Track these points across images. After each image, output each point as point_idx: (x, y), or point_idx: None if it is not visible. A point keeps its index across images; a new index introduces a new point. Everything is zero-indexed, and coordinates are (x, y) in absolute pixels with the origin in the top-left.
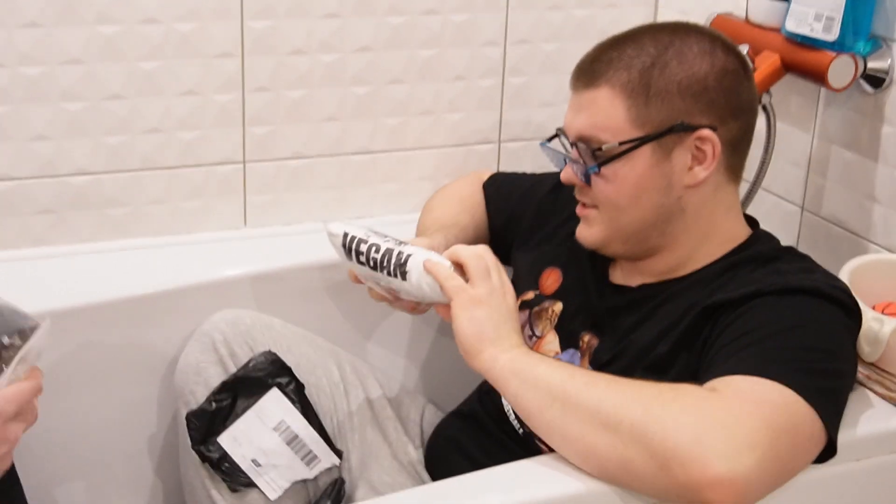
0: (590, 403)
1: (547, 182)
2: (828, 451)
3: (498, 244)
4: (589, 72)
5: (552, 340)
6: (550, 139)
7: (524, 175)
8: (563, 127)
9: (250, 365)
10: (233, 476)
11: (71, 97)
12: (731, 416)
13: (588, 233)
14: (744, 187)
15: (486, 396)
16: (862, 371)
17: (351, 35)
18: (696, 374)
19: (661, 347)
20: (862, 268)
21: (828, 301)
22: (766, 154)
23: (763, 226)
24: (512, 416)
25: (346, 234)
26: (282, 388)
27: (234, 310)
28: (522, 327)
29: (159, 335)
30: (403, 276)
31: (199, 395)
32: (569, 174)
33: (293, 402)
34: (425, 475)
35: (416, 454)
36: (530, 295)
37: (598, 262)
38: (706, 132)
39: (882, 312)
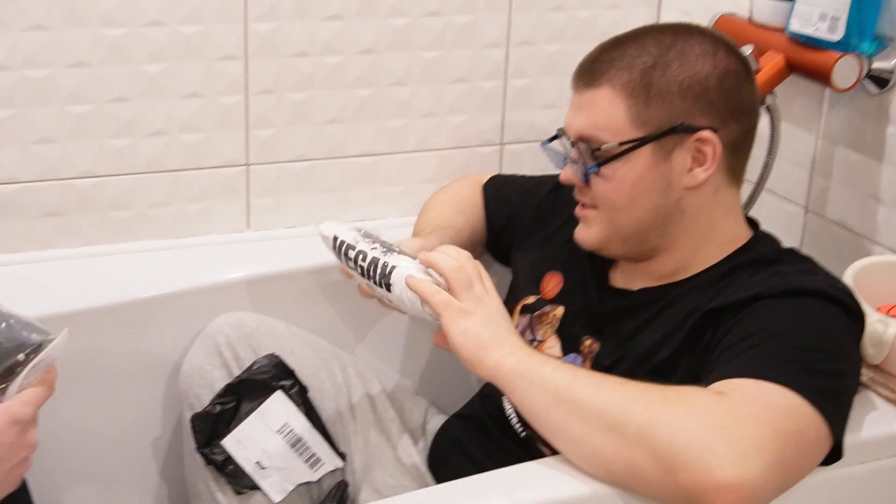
0: (596, 405)
1: (547, 183)
2: (834, 454)
3: (498, 246)
4: (590, 71)
5: (554, 345)
6: (551, 140)
7: (524, 177)
8: (563, 127)
9: (254, 368)
10: (237, 479)
11: (76, 100)
12: (737, 420)
13: (587, 233)
14: (747, 188)
15: (488, 399)
16: (866, 373)
17: (353, 37)
18: (699, 378)
19: (663, 352)
20: (866, 269)
21: (829, 302)
22: (770, 155)
23: (766, 227)
24: (514, 420)
25: (335, 238)
26: (285, 390)
27: (238, 313)
28: (524, 331)
29: (163, 338)
30: (388, 287)
31: (203, 398)
32: (568, 174)
33: (297, 404)
34: (429, 477)
35: (419, 456)
36: (531, 299)
37: (598, 265)
38: (706, 133)
39: (887, 314)
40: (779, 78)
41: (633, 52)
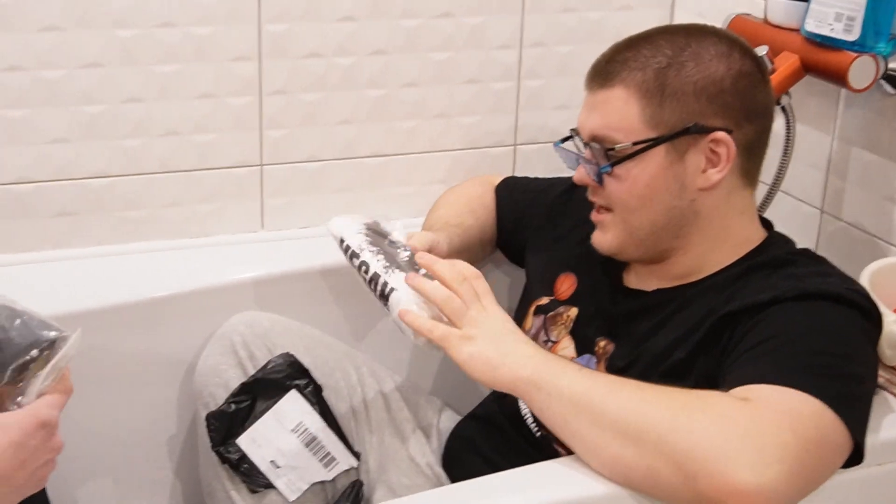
0: (614, 413)
1: (559, 185)
2: (854, 458)
3: (510, 246)
4: (604, 72)
5: (567, 346)
6: (564, 140)
7: (536, 179)
8: (576, 127)
9: (269, 367)
10: (252, 477)
11: (89, 101)
12: (758, 427)
13: (603, 238)
14: (762, 189)
15: (503, 399)
16: (883, 375)
17: (365, 38)
18: (715, 380)
19: (677, 354)
20: (883, 271)
21: (846, 305)
22: (785, 156)
23: (781, 229)
24: (529, 420)
25: (342, 240)
26: (300, 390)
27: (252, 312)
28: (537, 332)
29: (177, 338)
30: (385, 305)
31: (218, 396)
32: (581, 174)
33: (311, 403)
34: (443, 477)
35: (433, 456)
36: (545, 300)
37: (611, 266)
38: (720, 135)
39: None
40: (794, 79)
41: (648, 52)
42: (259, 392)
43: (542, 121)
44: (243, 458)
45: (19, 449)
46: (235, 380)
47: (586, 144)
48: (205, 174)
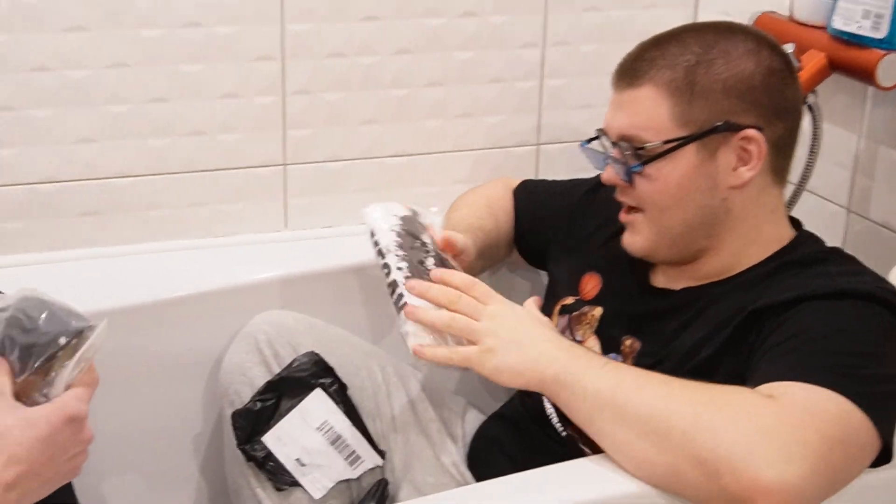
0: (639, 410)
1: (581, 187)
2: (882, 457)
3: (530, 250)
4: (631, 70)
5: (593, 345)
6: (591, 140)
7: (554, 182)
8: (603, 127)
9: (294, 365)
10: (277, 475)
11: (114, 100)
12: (783, 424)
13: (634, 240)
14: (788, 188)
15: (528, 399)
16: None
17: (389, 37)
18: (743, 378)
19: (705, 351)
20: None
21: (878, 304)
22: (812, 154)
23: (808, 228)
24: (554, 419)
25: (372, 234)
26: (325, 388)
27: (277, 311)
28: (562, 332)
29: (202, 336)
30: (398, 314)
31: (243, 395)
32: (610, 174)
33: (336, 402)
34: (469, 476)
35: (458, 455)
36: (570, 300)
37: (638, 265)
38: (751, 132)
39: None
40: (820, 76)
41: (676, 50)
42: (284, 390)
43: (566, 120)
44: (269, 455)
45: (47, 444)
46: (260, 378)
47: (614, 144)
48: (229, 174)
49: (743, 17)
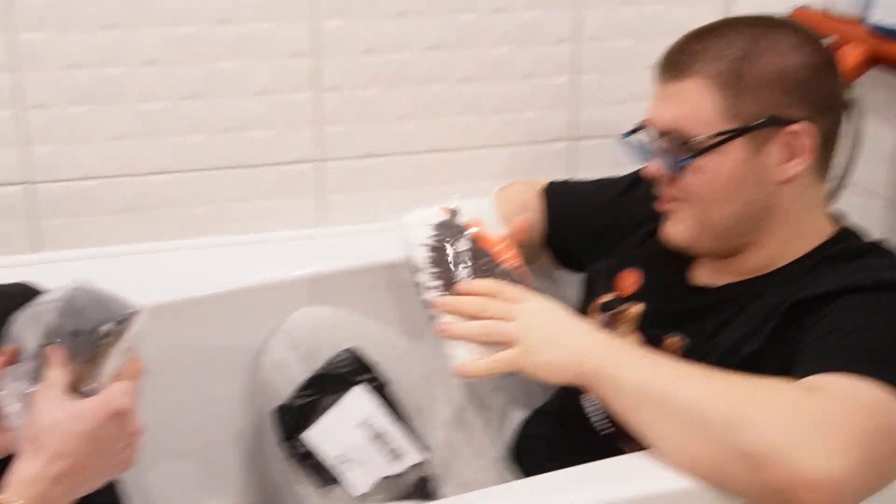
0: (679, 403)
1: (614, 185)
2: None
3: (562, 250)
4: (678, 63)
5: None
6: (631, 133)
7: (582, 182)
8: (646, 120)
9: (334, 362)
10: (319, 472)
11: (149, 97)
12: (827, 416)
13: (675, 230)
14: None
15: (567, 397)
16: None
17: (421, 34)
18: (786, 371)
19: (748, 347)
20: None
21: None
22: (852, 150)
23: (850, 221)
24: (594, 418)
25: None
26: (366, 384)
27: (316, 307)
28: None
29: (241, 332)
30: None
31: (282, 391)
32: (655, 167)
33: (377, 398)
34: (511, 472)
35: (500, 451)
36: (608, 297)
37: (677, 262)
38: (799, 126)
39: None
40: (859, 71)
41: (722, 43)
42: (325, 387)
43: (600, 116)
44: (310, 453)
45: (93, 439)
46: (300, 374)
47: (659, 136)
48: (264, 170)
49: (778, 11)
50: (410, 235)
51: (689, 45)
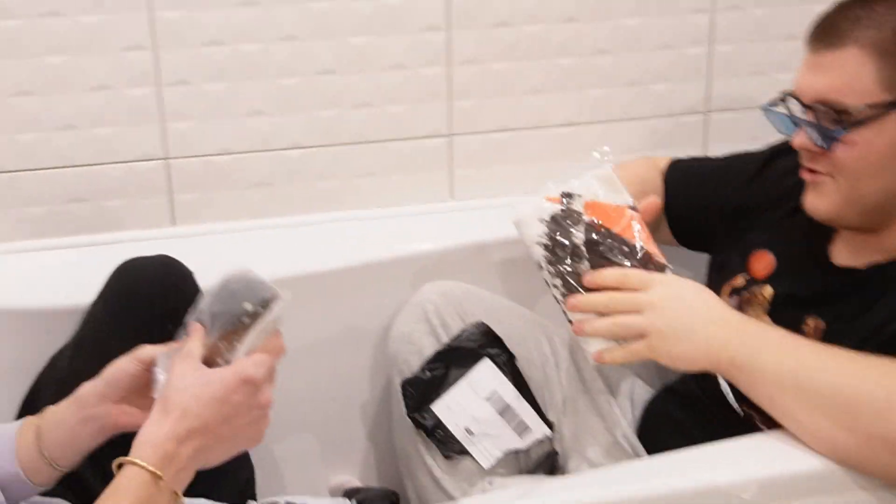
0: (825, 391)
1: (744, 165)
2: None
3: (685, 231)
4: (833, 30)
5: None
6: (774, 103)
7: (707, 159)
8: (793, 90)
9: (462, 335)
10: (447, 444)
11: (285, 73)
12: None
13: (819, 202)
14: None
15: (703, 379)
16: None
17: (555, 6)
18: None
19: (891, 327)
20: None
21: None
22: None
23: None
24: (731, 397)
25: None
26: (494, 358)
27: (445, 281)
28: None
29: (370, 305)
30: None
31: (412, 363)
32: (803, 139)
33: (505, 373)
34: (640, 449)
35: (628, 428)
36: (740, 280)
37: (816, 242)
38: None
39: None
40: None
41: (882, 9)
42: (453, 360)
43: (736, 87)
44: (438, 424)
45: (222, 404)
46: (429, 347)
47: (809, 108)
48: (395, 145)
49: None
50: (524, 234)
51: (845, 12)
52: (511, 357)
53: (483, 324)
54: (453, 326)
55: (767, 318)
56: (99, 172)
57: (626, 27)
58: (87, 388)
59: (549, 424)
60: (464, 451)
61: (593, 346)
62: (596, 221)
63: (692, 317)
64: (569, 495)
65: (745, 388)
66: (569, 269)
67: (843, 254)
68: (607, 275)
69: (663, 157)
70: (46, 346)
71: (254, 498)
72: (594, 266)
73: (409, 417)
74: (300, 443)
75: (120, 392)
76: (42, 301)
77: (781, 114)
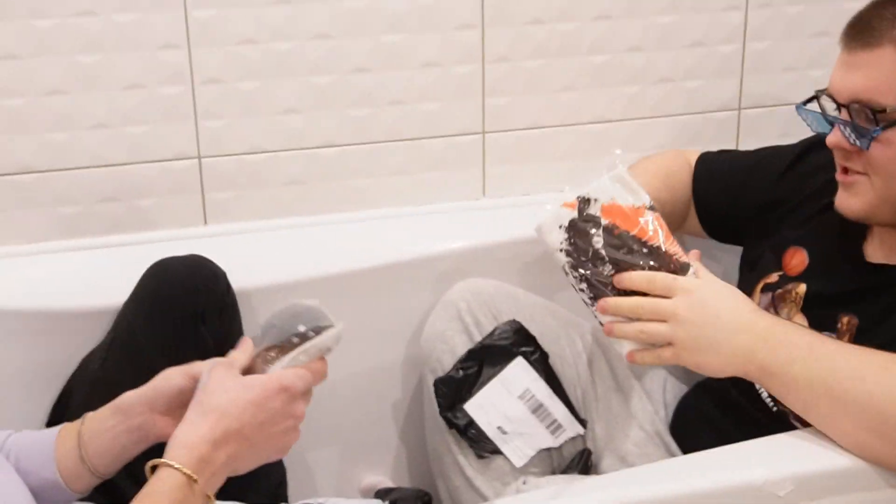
0: (861, 400)
1: (776, 159)
2: None
3: (716, 225)
4: (867, 29)
5: (801, 323)
6: (808, 101)
7: (738, 153)
8: (829, 88)
9: (495, 333)
10: (479, 443)
11: (318, 71)
12: None
13: (852, 202)
14: None
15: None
16: None
17: (588, 3)
18: None
19: None
20: None
21: None
22: None
23: None
24: (765, 395)
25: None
26: (526, 356)
27: (477, 279)
28: (766, 311)
29: (403, 303)
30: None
31: (445, 362)
32: (838, 138)
33: (538, 371)
34: (673, 446)
35: (662, 425)
36: (774, 277)
37: (850, 239)
38: None
39: None
40: None
41: None
42: (486, 358)
43: (768, 84)
44: (471, 423)
45: (259, 408)
46: (462, 346)
47: (843, 107)
48: (428, 143)
49: None
50: (546, 242)
51: (880, 11)
52: (544, 355)
53: (516, 322)
54: (486, 325)
55: (801, 316)
56: (131, 172)
57: (659, 24)
58: (133, 398)
59: (582, 422)
60: (496, 450)
61: (625, 347)
62: (614, 224)
63: (716, 327)
64: (605, 494)
65: (776, 394)
66: (592, 273)
67: (878, 251)
68: (634, 277)
69: (693, 150)
70: (78, 347)
71: (286, 500)
72: (617, 270)
73: (442, 417)
74: (332, 444)
75: (166, 404)
76: (74, 302)
77: (815, 112)
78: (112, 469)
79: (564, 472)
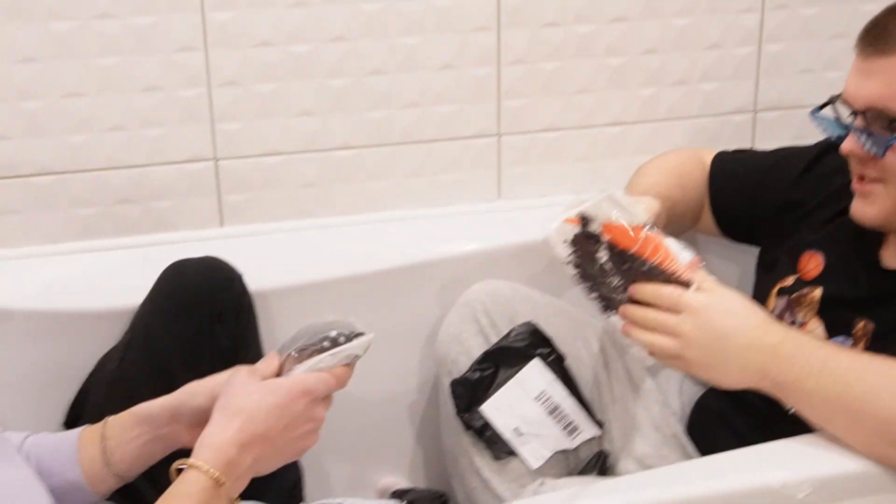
0: (879, 416)
1: (793, 161)
2: None
3: (732, 225)
4: (883, 36)
5: (816, 327)
6: (822, 107)
7: (755, 153)
8: (845, 94)
9: (511, 335)
10: (495, 444)
11: (334, 74)
12: None
13: (868, 210)
14: None
15: None
16: None
17: (604, 6)
18: None
19: None
20: None
21: None
22: None
23: None
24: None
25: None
26: (543, 358)
27: (493, 281)
28: (782, 314)
29: (418, 305)
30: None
31: (461, 364)
32: (853, 145)
33: (554, 372)
34: (690, 447)
35: (678, 426)
36: (789, 280)
37: (866, 244)
38: None
39: None
40: None
41: None
42: (502, 360)
43: (784, 86)
44: (487, 425)
45: (283, 411)
46: (478, 347)
47: (859, 114)
48: (444, 145)
49: None
50: (554, 255)
51: None
52: (560, 357)
53: (532, 323)
54: (502, 326)
55: (818, 320)
56: (148, 173)
57: (675, 27)
58: (156, 408)
59: (599, 424)
60: (512, 452)
61: (641, 348)
62: (615, 243)
63: (724, 346)
64: (624, 497)
65: (793, 406)
66: (601, 285)
67: (894, 258)
68: (642, 291)
69: (708, 150)
70: (95, 348)
71: (302, 500)
72: (625, 282)
73: (458, 418)
74: (348, 444)
75: (190, 419)
76: (90, 303)
77: (829, 118)
78: (136, 473)
79: (581, 473)
